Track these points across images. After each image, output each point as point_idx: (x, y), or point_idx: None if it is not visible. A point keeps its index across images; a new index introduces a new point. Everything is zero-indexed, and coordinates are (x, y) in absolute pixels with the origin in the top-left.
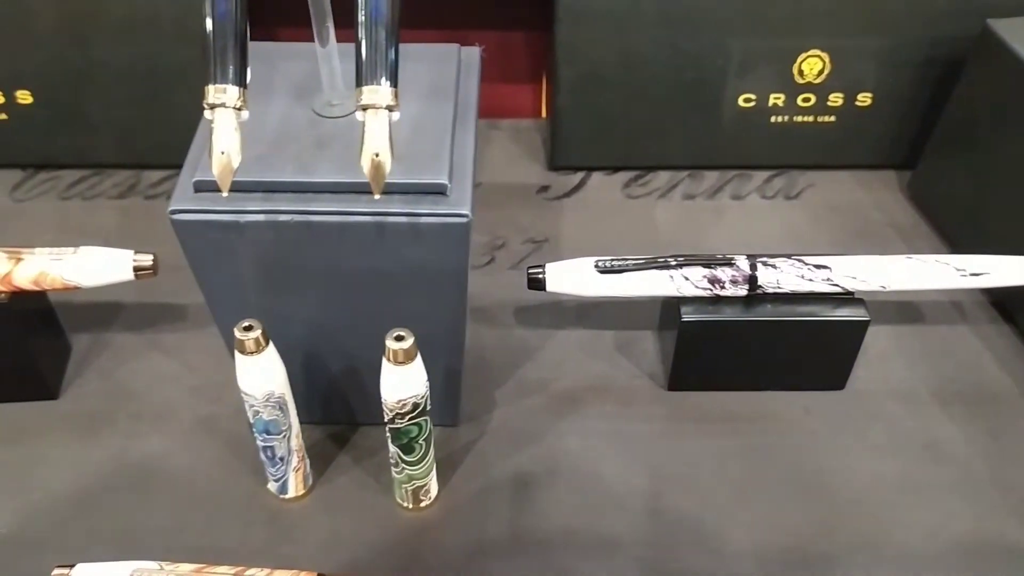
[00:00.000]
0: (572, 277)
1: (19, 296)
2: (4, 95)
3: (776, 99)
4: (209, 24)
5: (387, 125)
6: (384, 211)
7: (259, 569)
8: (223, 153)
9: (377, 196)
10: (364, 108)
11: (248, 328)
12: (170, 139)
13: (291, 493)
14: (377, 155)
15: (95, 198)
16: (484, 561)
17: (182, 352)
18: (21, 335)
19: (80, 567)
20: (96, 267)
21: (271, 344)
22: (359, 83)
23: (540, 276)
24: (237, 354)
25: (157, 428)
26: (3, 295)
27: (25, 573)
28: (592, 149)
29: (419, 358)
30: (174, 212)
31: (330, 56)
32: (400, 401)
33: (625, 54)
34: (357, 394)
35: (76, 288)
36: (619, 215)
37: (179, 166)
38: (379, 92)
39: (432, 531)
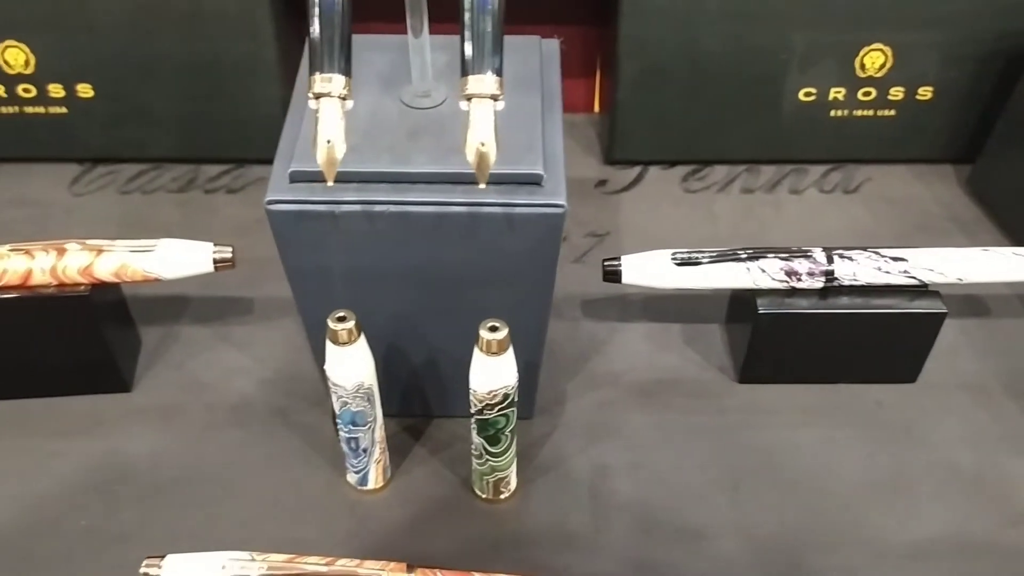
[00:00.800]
0: (649, 269)
1: (98, 289)
2: (65, 89)
3: (836, 93)
4: (316, 13)
5: (492, 114)
6: (480, 201)
7: (349, 559)
8: (328, 142)
9: (482, 185)
10: (469, 98)
11: (342, 319)
12: (229, 134)
13: (371, 485)
14: (482, 145)
15: (155, 192)
16: (567, 553)
17: (251, 345)
18: (100, 327)
19: (171, 558)
20: (177, 259)
21: (362, 335)
22: (464, 72)
23: (617, 268)
24: (329, 345)
25: (232, 420)
26: (84, 287)
27: (111, 564)
28: (650, 143)
29: (511, 349)
30: (270, 203)
31: (422, 47)
32: (491, 392)
33: (688, 49)
34: (435, 386)
35: (156, 280)
36: (678, 209)
37: (238, 161)
38: (484, 81)
39: (512, 523)
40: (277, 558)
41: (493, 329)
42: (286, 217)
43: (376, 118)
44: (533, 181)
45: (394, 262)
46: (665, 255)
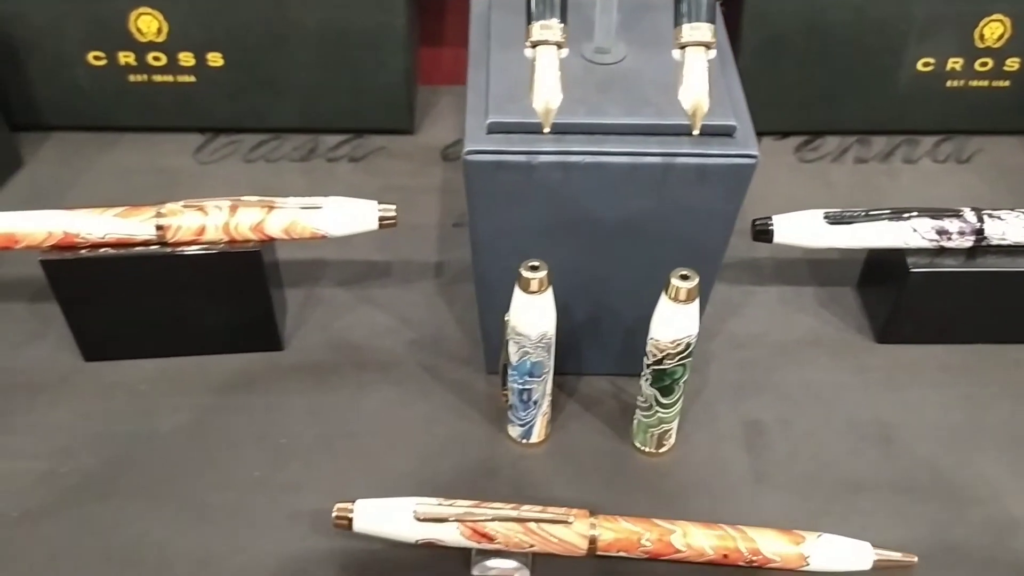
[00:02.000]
0: (801, 228)
1: (265, 246)
2: (195, 57)
3: (954, 63)
4: None
5: (706, 63)
6: (674, 152)
7: (532, 506)
8: (546, 90)
9: (695, 132)
10: (683, 46)
11: (534, 267)
12: (351, 104)
13: (534, 439)
14: (697, 92)
15: (278, 161)
16: (729, 503)
17: (394, 307)
18: (265, 285)
19: (361, 502)
20: (344, 217)
21: (551, 285)
22: (678, 22)
23: (768, 227)
24: (518, 293)
25: (386, 378)
26: (253, 244)
27: (287, 512)
28: (765, 114)
29: (698, 299)
30: (469, 153)
31: (609, 5)
32: (675, 341)
33: (810, 20)
34: (591, 342)
35: (323, 237)
36: (795, 178)
37: (357, 131)
38: (699, 30)
39: (675, 475)
40: (464, 503)
41: (684, 278)
42: (483, 168)
43: (563, 73)
44: (725, 132)
45: (580, 214)
46: (817, 214)
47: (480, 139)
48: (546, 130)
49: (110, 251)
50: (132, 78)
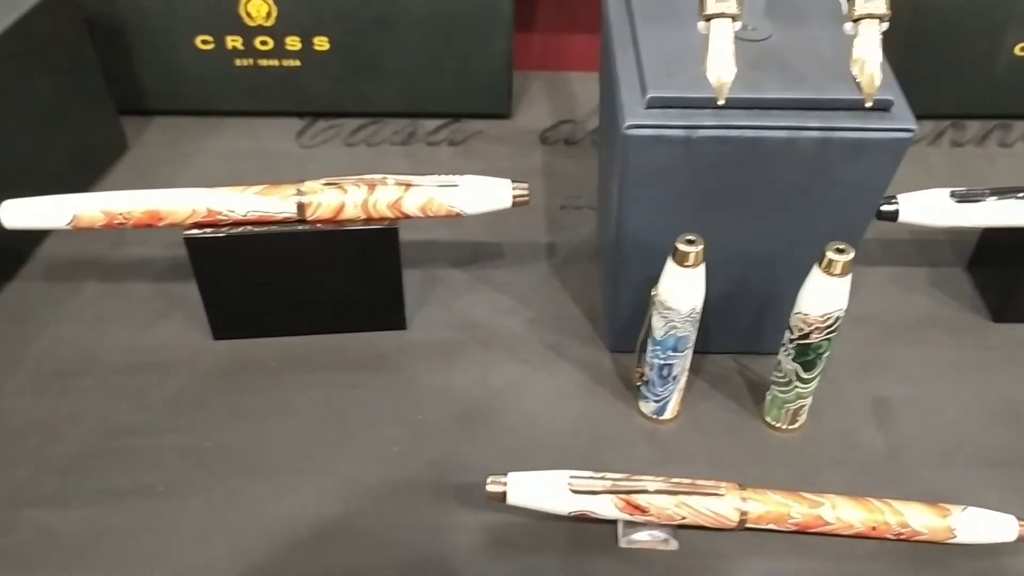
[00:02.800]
0: (927, 207)
1: (398, 224)
2: (302, 41)
3: None
4: None
5: (879, 35)
6: (833, 126)
7: (682, 479)
8: (721, 62)
9: (868, 104)
10: (857, 19)
11: (691, 241)
12: (451, 88)
13: (668, 415)
14: (872, 65)
15: (379, 144)
16: (865, 478)
17: (511, 286)
18: (398, 263)
19: (514, 475)
20: (480, 196)
21: (704, 260)
22: None
23: (894, 207)
24: (671, 267)
25: (510, 356)
26: (389, 222)
27: (429, 487)
28: None
29: (851, 273)
30: (629, 127)
31: None
32: (824, 315)
33: (913, 4)
34: (721, 320)
35: (458, 215)
36: None
37: (454, 115)
38: (874, 2)
39: (809, 451)
40: (614, 475)
41: (840, 251)
42: (643, 142)
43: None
44: (883, 107)
45: (730, 189)
46: (943, 192)
47: (639, 114)
48: (720, 102)
49: (250, 228)
50: (238, 62)
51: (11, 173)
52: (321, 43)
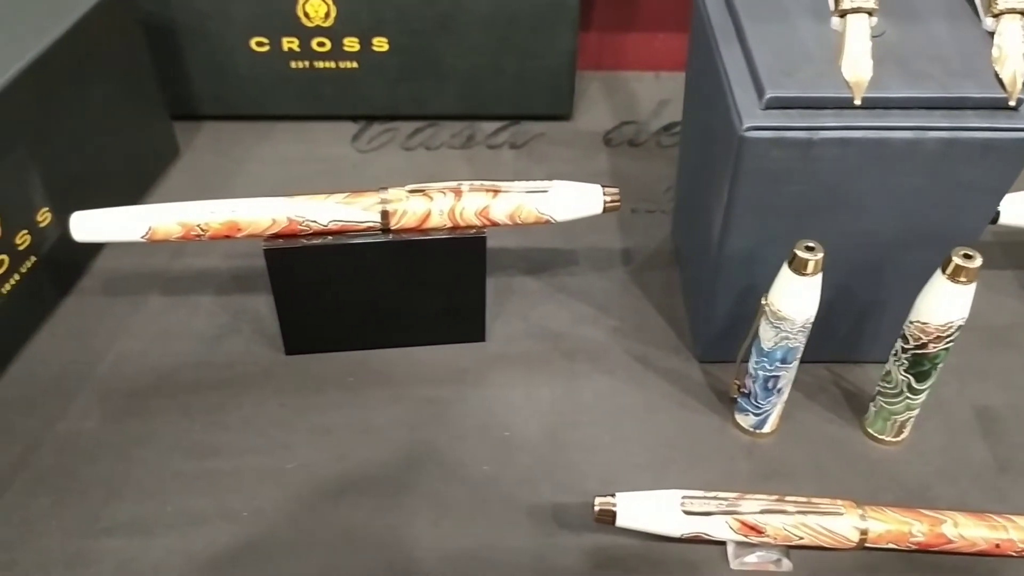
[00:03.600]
0: None
1: (485, 232)
2: (360, 42)
3: None
4: None
5: (1021, 30)
6: (960, 126)
7: (797, 497)
8: (858, 60)
9: (1012, 103)
10: (998, 15)
11: (811, 248)
12: (513, 89)
13: (768, 428)
14: (1016, 62)
15: (438, 148)
16: (977, 492)
17: (589, 294)
18: (484, 272)
19: (623, 496)
20: (571, 201)
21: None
22: None
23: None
24: (787, 275)
25: (595, 367)
26: (476, 230)
27: (523, 507)
28: None
29: (976, 281)
30: (748, 129)
31: None
32: (946, 324)
33: None
34: (817, 329)
35: (547, 222)
36: None
37: (512, 117)
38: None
39: (914, 463)
40: (727, 495)
41: (967, 256)
42: (760, 144)
43: (826, 45)
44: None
45: (846, 193)
46: None
47: (756, 115)
48: (857, 102)
49: (331, 239)
50: (294, 64)
51: (67, 181)
52: (380, 44)
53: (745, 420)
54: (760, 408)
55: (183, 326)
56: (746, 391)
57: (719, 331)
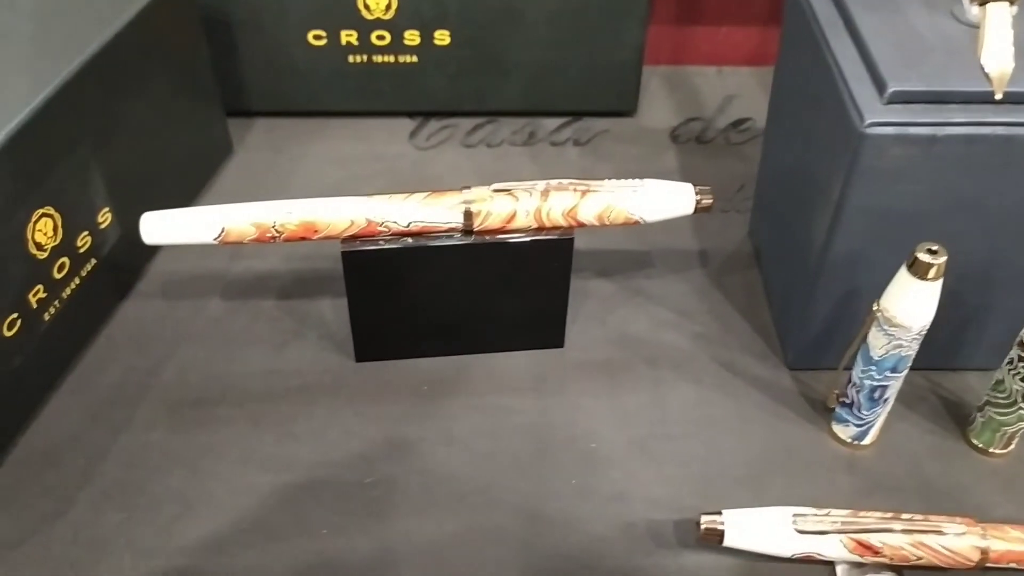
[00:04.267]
0: None
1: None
2: (421, 35)
3: None
4: None
5: None
6: None
7: (913, 515)
8: (1000, 52)
9: None
10: None
11: (933, 251)
12: (578, 84)
13: (868, 440)
14: None
15: (499, 145)
16: None
17: (667, 298)
18: (568, 276)
19: (731, 514)
20: (661, 202)
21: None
22: None
23: None
24: (906, 279)
25: (681, 375)
26: (562, 231)
27: (618, 523)
28: None
29: None
30: (870, 126)
31: None
32: None
33: None
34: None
35: (636, 223)
36: None
37: (576, 113)
38: None
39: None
40: (840, 512)
41: None
42: (881, 141)
43: (945, 36)
44: None
45: (969, 191)
46: None
47: (877, 110)
48: (998, 96)
49: (410, 241)
50: (352, 59)
51: (126, 180)
52: (442, 37)
53: (844, 431)
54: (863, 419)
55: (246, 332)
56: (848, 401)
57: (814, 337)
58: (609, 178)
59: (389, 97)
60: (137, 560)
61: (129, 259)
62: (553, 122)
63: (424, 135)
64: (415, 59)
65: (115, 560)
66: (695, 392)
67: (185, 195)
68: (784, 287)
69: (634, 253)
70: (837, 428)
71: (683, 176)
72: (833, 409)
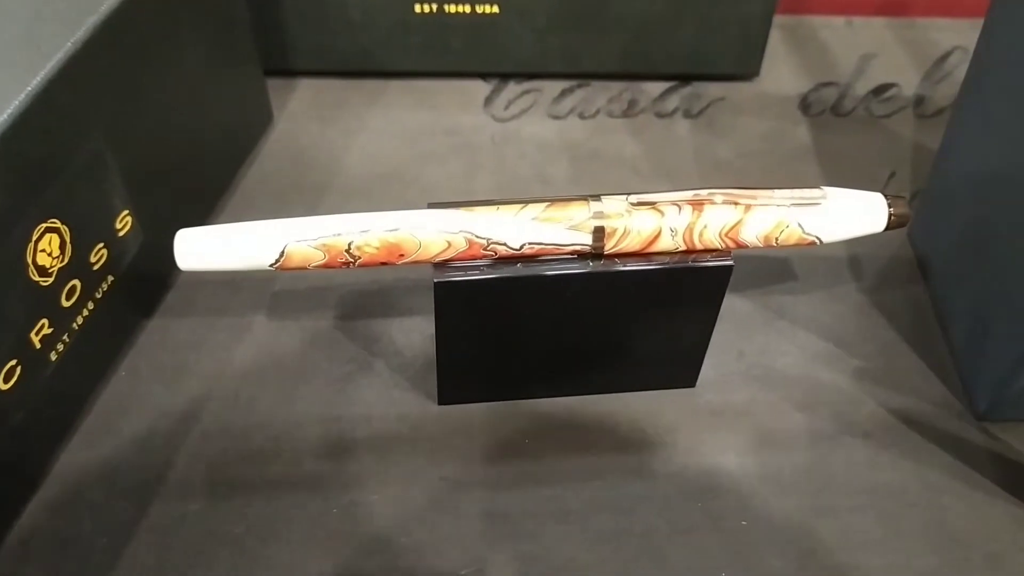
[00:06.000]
0: None
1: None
2: None
3: None
4: None
5: None
6: None
7: None
8: None
9: None
10: None
11: None
12: (690, 42)
13: None
14: None
15: (595, 116)
16: None
17: (818, 323)
18: (718, 308)
19: None
20: (845, 215)
21: None
22: None
23: None
24: None
25: (846, 428)
26: (717, 255)
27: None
28: None
29: None
30: None
31: None
32: None
33: None
34: None
35: (812, 244)
36: None
37: (683, 77)
38: None
39: None
40: None
41: None
42: None
43: None
44: None
45: None
46: None
47: None
48: None
49: (519, 267)
50: (418, 8)
51: (147, 173)
52: None
53: None
54: None
55: (299, 361)
56: None
57: (1016, 376)
58: (736, 159)
59: (459, 55)
60: None
61: (154, 269)
62: (656, 87)
63: (502, 102)
64: (495, 9)
65: None
66: (864, 452)
67: (219, 182)
68: (975, 314)
69: (768, 260)
70: None
71: (819, 158)
72: None
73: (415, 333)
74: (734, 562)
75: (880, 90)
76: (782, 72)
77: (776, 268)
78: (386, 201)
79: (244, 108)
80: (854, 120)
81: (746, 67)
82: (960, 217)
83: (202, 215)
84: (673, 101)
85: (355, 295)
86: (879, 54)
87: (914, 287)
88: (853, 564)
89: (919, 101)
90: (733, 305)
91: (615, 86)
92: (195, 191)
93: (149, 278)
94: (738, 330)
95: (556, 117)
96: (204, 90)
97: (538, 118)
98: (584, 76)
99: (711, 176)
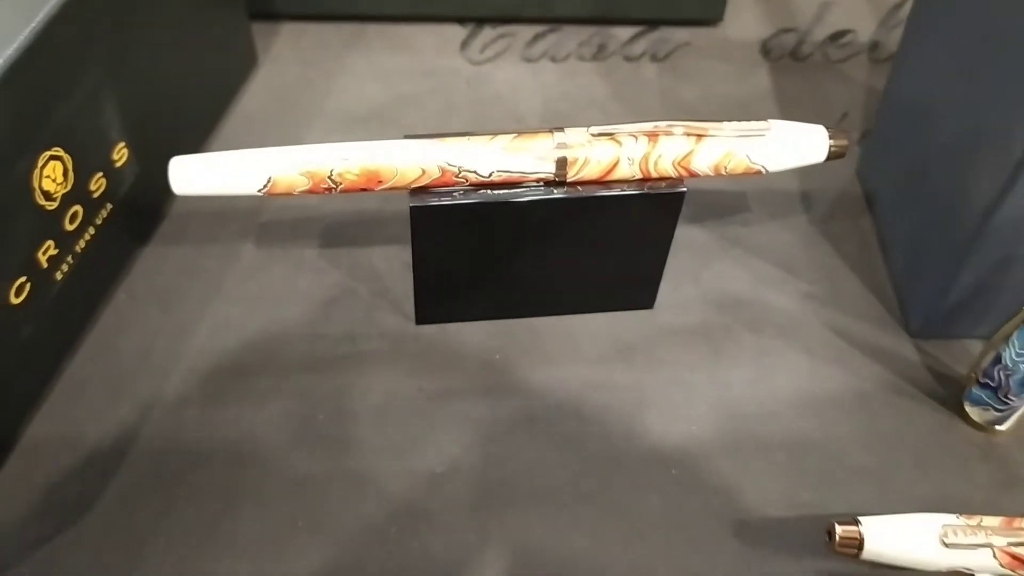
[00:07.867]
0: None
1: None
2: None
3: None
4: None
5: None
6: None
7: None
8: None
9: None
10: None
11: None
12: None
13: (1007, 426)
14: None
15: (566, 60)
16: None
17: (768, 250)
18: (672, 233)
19: (869, 522)
20: (788, 148)
21: None
22: None
23: None
24: None
25: (789, 344)
26: (671, 182)
27: (728, 522)
28: None
29: None
30: None
31: None
32: None
33: None
34: None
35: (758, 174)
36: None
37: (651, 22)
38: None
39: None
40: (992, 520)
41: None
42: None
43: None
44: None
45: None
46: None
47: None
48: None
49: (490, 193)
50: None
51: (141, 108)
52: None
53: (981, 414)
54: (1008, 404)
55: (286, 286)
56: (993, 384)
57: (953, 304)
58: (698, 101)
59: (438, 0)
60: (181, 566)
61: (149, 200)
62: (625, 32)
63: (477, 45)
64: None
65: (155, 564)
66: (807, 365)
67: (207, 120)
68: (912, 242)
69: (726, 194)
70: (971, 409)
71: (778, 100)
72: (966, 387)
73: (395, 260)
74: (683, 462)
75: (837, 36)
76: (745, 18)
77: (733, 202)
78: (366, 139)
79: (230, 50)
80: (811, 65)
81: (710, 13)
82: (902, 154)
83: (191, 151)
84: (641, 45)
85: (338, 226)
86: (838, 1)
87: (861, 220)
88: (795, 463)
89: (874, 46)
90: (692, 235)
91: (585, 31)
92: (185, 128)
93: (145, 208)
94: (696, 258)
95: (529, 60)
96: (192, 32)
97: (512, 62)
98: (556, 20)
99: (676, 117)
